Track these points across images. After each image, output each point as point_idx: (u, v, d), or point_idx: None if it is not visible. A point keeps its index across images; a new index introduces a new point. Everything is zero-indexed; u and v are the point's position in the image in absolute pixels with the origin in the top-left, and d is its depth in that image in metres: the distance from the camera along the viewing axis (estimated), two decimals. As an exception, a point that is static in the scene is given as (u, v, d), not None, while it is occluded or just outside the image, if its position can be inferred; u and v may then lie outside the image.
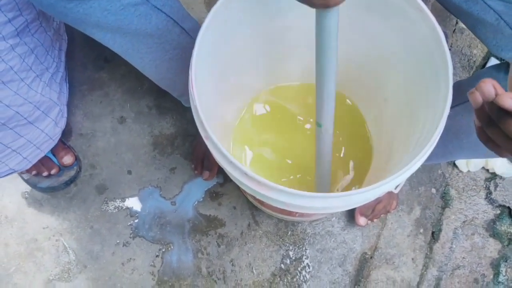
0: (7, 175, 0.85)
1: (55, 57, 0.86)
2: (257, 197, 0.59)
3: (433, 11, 0.98)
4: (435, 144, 0.56)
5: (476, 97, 0.37)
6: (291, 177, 0.85)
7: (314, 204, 0.56)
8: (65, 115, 0.92)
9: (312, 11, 0.50)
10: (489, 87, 0.36)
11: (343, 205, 0.57)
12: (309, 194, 0.55)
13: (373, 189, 0.55)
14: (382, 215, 0.95)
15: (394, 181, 0.56)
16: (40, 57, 0.80)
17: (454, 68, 1.08)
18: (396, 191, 0.87)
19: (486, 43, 0.63)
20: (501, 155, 0.42)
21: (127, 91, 1.04)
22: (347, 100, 0.90)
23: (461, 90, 0.68)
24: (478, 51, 1.09)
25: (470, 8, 0.60)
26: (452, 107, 0.70)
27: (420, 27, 0.61)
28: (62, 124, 0.91)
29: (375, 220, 0.95)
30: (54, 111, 0.87)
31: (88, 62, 1.06)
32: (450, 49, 1.09)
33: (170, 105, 1.03)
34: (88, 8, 0.59)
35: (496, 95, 0.35)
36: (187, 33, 0.73)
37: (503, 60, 0.81)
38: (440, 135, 0.56)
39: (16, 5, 0.69)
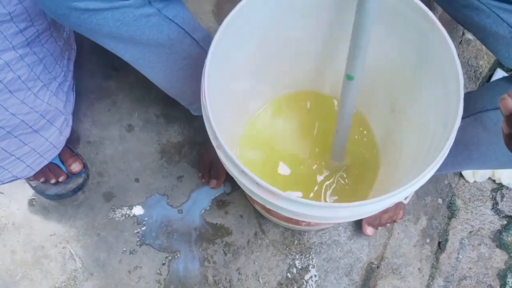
0: (9, 181, 0.86)
1: (63, 66, 0.87)
2: (267, 206, 0.59)
3: (440, 22, 0.99)
4: (445, 156, 0.57)
5: (508, 103, 0.37)
6: (298, 185, 0.86)
7: (323, 214, 0.56)
8: (70, 124, 0.93)
9: (321, 20, 0.52)
10: None
11: (351, 215, 0.58)
12: (319, 204, 0.55)
13: (382, 200, 0.55)
14: (388, 224, 0.95)
15: (404, 193, 0.56)
16: (49, 67, 0.81)
17: (460, 79, 1.09)
18: (405, 202, 0.88)
19: (498, 55, 0.63)
20: None
21: (135, 100, 1.05)
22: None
23: (470, 102, 0.68)
24: (485, 62, 1.09)
25: (482, 21, 0.60)
26: (463, 117, 0.70)
27: (432, 39, 0.62)
28: (66, 133, 0.92)
29: (379, 228, 0.95)
30: (60, 120, 0.87)
31: (96, 71, 1.07)
32: (456, 60, 1.10)
33: (177, 114, 1.04)
34: (102, 19, 0.60)
35: None
36: (198, 43, 0.74)
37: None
38: (450, 147, 0.57)
39: (28, 16, 0.70)
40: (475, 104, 0.68)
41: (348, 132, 0.77)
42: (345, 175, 0.87)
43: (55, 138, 0.88)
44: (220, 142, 0.57)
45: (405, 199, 0.91)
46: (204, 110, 0.60)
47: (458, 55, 1.05)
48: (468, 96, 0.61)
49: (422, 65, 0.67)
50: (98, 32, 0.62)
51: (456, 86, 0.58)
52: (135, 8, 0.61)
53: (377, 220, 0.92)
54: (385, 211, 0.91)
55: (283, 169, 0.86)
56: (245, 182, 0.58)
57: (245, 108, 0.87)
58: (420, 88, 0.69)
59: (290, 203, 0.56)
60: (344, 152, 0.83)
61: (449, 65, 0.59)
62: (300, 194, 0.84)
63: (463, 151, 0.73)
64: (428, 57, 0.64)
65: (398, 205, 0.93)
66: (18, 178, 0.86)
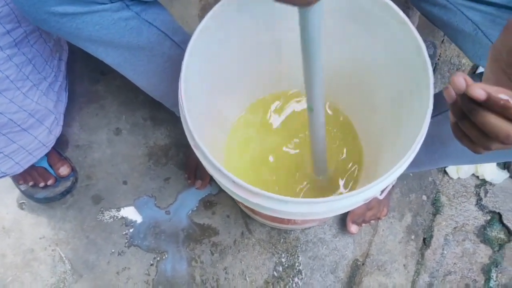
0: None
1: (54, 67, 0.88)
2: (245, 203, 0.61)
3: (422, 22, 1.01)
4: (416, 151, 0.58)
5: (450, 92, 0.37)
6: (281, 187, 0.87)
7: (299, 209, 0.57)
8: (61, 123, 0.94)
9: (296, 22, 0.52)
10: (460, 79, 0.36)
11: (328, 210, 0.59)
12: (295, 200, 0.56)
13: (355, 195, 0.57)
14: (372, 221, 0.96)
15: (377, 187, 0.57)
16: (38, 67, 0.82)
17: (443, 77, 1.10)
18: (381, 197, 0.89)
19: (466, 53, 0.65)
20: (476, 151, 0.42)
21: (122, 104, 1.06)
22: (339, 110, 0.91)
23: (443, 99, 0.69)
24: (467, 60, 1.11)
25: (449, 19, 0.62)
26: (437, 114, 0.72)
27: (403, 39, 0.63)
28: (56, 132, 0.93)
29: (363, 225, 0.96)
30: (49, 119, 0.89)
31: (84, 75, 1.08)
32: (439, 59, 1.11)
33: (164, 117, 1.05)
34: (81, 23, 0.61)
35: (467, 86, 0.35)
36: (179, 45, 0.75)
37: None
38: (421, 143, 0.58)
39: (15, 17, 0.72)
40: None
41: (324, 152, 0.76)
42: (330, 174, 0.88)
43: (44, 136, 0.89)
44: (197, 142, 0.59)
45: (380, 194, 0.92)
46: (181, 110, 0.61)
47: (440, 54, 1.07)
48: (441, 94, 0.62)
49: (397, 65, 0.68)
50: (78, 36, 0.63)
51: (426, 83, 0.59)
52: (113, 12, 0.62)
53: (361, 218, 0.93)
54: (369, 208, 0.93)
55: (268, 172, 0.87)
56: (222, 181, 0.59)
57: (228, 109, 0.88)
58: (396, 87, 0.71)
59: (267, 200, 0.57)
60: (326, 167, 0.82)
61: (420, 63, 0.61)
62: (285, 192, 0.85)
63: (440, 147, 0.75)
64: (401, 56, 0.66)
65: (382, 202, 0.94)
66: (6, 175, 0.87)
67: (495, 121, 0.36)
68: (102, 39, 0.65)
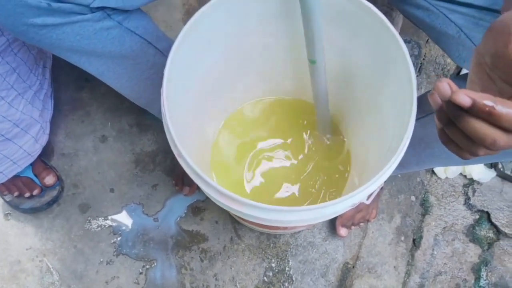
0: None
1: (38, 75, 0.87)
2: (233, 212, 0.60)
3: (406, 23, 1.01)
4: (401, 155, 0.58)
5: (435, 98, 0.37)
6: (267, 192, 0.87)
7: (286, 217, 0.57)
8: (47, 131, 0.93)
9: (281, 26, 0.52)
10: (444, 85, 0.36)
11: (315, 217, 0.58)
12: (281, 208, 0.56)
13: (343, 200, 0.56)
14: (361, 224, 0.96)
15: (363, 192, 0.57)
16: (23, 76, 0.81)
17: (429, 77, 1.10)
18: (367, 202, 0.89)
19: (450, 55, 0.65)
20: (463, 157, 0.42)
21: (108, 110, 1.05)
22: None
23: (428, 101, 0.69)
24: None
25: (433, 22, 0.62)
26: (423, 117, 0.72)
27: (385, 41, 0.63)
28: (42, 140, 0.92)
29: (353, 228, 0.96)
30: (35, 128, 0.88)
31: (69, 82, 1.07)
32: (424, 59, 1.11)
33: (150, 122, 1.04)
34: (61, 34, 0.60)
35: (452, 92, 0.35)
36: (162, 53, 0.74)
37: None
38: (406, 146, 0.58)
39: None
40: None
41: (327, 108, 0.79)
42: (316, 180, 0.88)
43: (29, 146, 0.88)
44: (180, 150, 0.58)
45: (367, 199, 0.92)
46: (164, 118, 0.60)
47: (425, 53, 1.07)
48: (426, 95, 0.62)
49: (380, 68, 0.68)
50: (59, 46, 0.62)
51: (409, 86, 0.59)
52: (94, 21, 0.61)
53: (350, 221, 0.93)
54: (358, 211, 0.92)
55: (253, 177, 0.87)
56: (206, 190, 0.58)
57: (213, 116, 0.88)
58: (380, 90, 0.70)
59: (252, 208, 0.57)
60: (329, 125, 0.85)
61: (403, 66, 0.60)
62: (273, 200, 0.85)
63: (426, 148, 0.75)
64: (384, 59, 0.66)
65: (371, 204, 0.94)
66: None
67: (480, 127, 0.36)
68: (84, 49, 0.64)
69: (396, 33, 0.61)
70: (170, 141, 0.60)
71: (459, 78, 0.69)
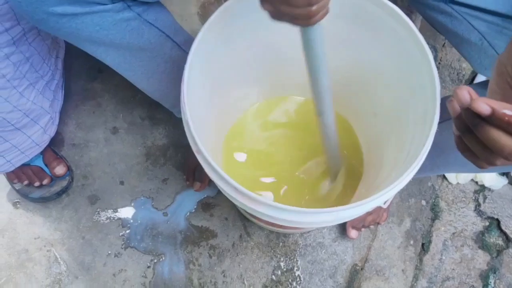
0: None
1: (51, 65, 0.86)
2: (247, 211, 0.60)
3: (424, 26, 1.00)
4: (422, 161, 0.57)
5: (454, 105, 0.37)
6: (280, 188, 0.86)
7: (302, 219, 0.57)
8: (56, 122, 0.92)
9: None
10: (464, 93, 0.35)
11: (332, 220, 0.58)
12: (298, 210, 0.55)
13: (361, 204, 0.56)
14: (372, 226, 0.96)
15: (383, 197, 0.56)
16: (36, 66, 0.81)
17: (443, 81, 1.10)
18: (384, 206, 0.88)
19: (470, 62, 0.64)
20: (479, 166, 0.41)
21: (120, 102, 1.05)
22: (338, 113, 0.90)
23: (446, 107, 0.69)
24: (467, 65, 1.10)
25: (455, 28, 0.62)
26: (439, 123, 0.71)
27: (409, 45, 0.63)
28: (51, 131, 0.91)
29: (363, 230, 0.96)
30: (44, 119, 0.87)
31: (82, 73, 1.07)
32: (439, 63, 1.10)
33: (162, 116, 1.04)
34: (81, 23, 0.59)
35: (471, 100, 0.35)
36: (179, 46, 0.74)
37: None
38: (427, 152, 0.57)
39: (14, 15, 0.70)
40: None
41: (338, 155, 0.77)
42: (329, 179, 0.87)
43: (38, 136, 0.87)
44: (199, 147, 0.58)
45: (384, 203, 0.91)
46: (184, 115, 0.60)
47: (441, 58, 1.06)
48: (444, 101, 0.62)
49: (401, 71, 0.67)
50: (78, 36, 0.62)
51: (433, 92, 0.58)
52: (115, 12, 0.61)
53: (361, 223, 0.93)
54: (369, 214, 0.92)
55: (265, 174, 0.87)
56: (224, 187, 0.58)
57: (227, 112, 0.87)
58: (400, 93, 0.70)
59: (269, 208, 0.56)
60: (340, 161, 0.82)
61: (427, 71, 0.60)
62: (283, 199, 0.84)
63: (440, 154, 0.74)
64: (406, 62, 0.65)
65: (381, 208, 0.93)
66: None
67: (499, 137, 0.35)
68: (102, 40, 0.64)
69: (421, 37, 0.60)
70: (189, 137, 0.59)
71: (477, 86, 0.68)
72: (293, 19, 0.47)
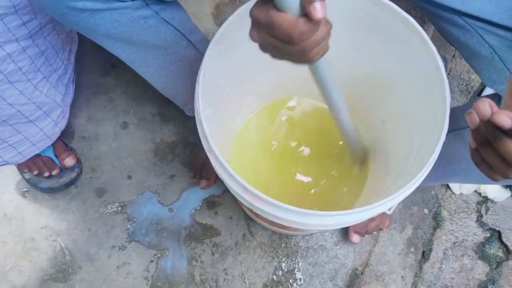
0: (0, 166, 0.87)
1: (64, 59, 0.88)
2: (255, 210, 0.61)
3: (435, 36, 1.01)
4: (429, 170, 0.58)
5: (473, 117, 0.37)
6: (285, 190, 0.87)
7: (309, 221, 0.58)
8: (67, 116, 0.94)
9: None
10: (485, 105, 0.35)
11: (336, 223, 0.59)
12: (305, 212, 0.56)
13: (366, 210, 0.57)
14: (374, 232, 0.97)
15: (387, 204, 0.58)
16: (50, 59, 0.82)
17: (452, 92, 1.11)
18: (389, 213, 0.89)
19: (480, 75, 0.65)
20: (494, 179, 0.42)
21: (131, 97, 1.06)
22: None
23: (453, 118, 0.70)
24: (476, 76, 1.11)
25: (467, 40, 0.62)
26: (447, 133, 0.72)
27: (421, 54, 0.64)
28: (62, 124, 0.93)
29: (366, 236, 0.97)
30: (56, 112, 0.89)
31: (95, 67, 1.08)
32: (449, 74, 1.11)
33: (173, 113, 1.05)
34: (100, 19, 0.61)
35: (492, 113, 0.35)
36: (194, 45, 0.75)
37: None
38: (434, 162, 0.58)
39: (32, 9, 0.71)
40: (457, 120, 0.70)
41: (356, 141, 0.80)
42: (334, 183, 0.89)
43: (49, 129, 0.89)
44: (211, 146, 0.59)
45: (389, 210, 0.92)
46: (197, 114, 0.61)
47: (451, 68, 1.07)
48: (451, 112, 0.63)
49: (411, 80, 0.68)
50: (96, 31, 0.63)
51: (443, 103, 0.59)
52: (133, 9, 0.62)
53: (363, 228, 0.94)
54: (372, 219, 0.93)
55: (273, 174, 0.88)
56: (233, 186, 0.59)
57: (239, 113, 0.88)
58: (409, 102, 0.71)
59: (276, 209, 0.58)
60: (360, 153, 0.85)
61: (437, 82, 0.61)
62: (287, 199, 0.85)
63: (446, 165, 0.75)
64: (417, 72, 0.66)
65: (384, 214, 0.94)
66: (8, 163, 0.88)
67: None
68: (119, 36, 0.65)
69: (434, 48, 0.61)
70: (202, 135, 0.60)
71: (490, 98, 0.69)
72: (292, 61, 0.48)
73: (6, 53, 0.70)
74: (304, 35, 0.43)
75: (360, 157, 0.86)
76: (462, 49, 0.66)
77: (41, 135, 0.88)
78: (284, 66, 0.82)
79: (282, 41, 0.44)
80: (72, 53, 0.93)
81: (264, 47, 0.48)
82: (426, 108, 0.65)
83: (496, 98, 0.66)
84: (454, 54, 1.12)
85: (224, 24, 0.64)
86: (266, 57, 0.78)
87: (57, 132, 0.92)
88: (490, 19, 0.59)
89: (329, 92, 0.60)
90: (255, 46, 0.73)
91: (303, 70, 0.83)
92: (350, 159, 0.87)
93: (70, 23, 0.61)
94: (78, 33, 0.95)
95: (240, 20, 0.65)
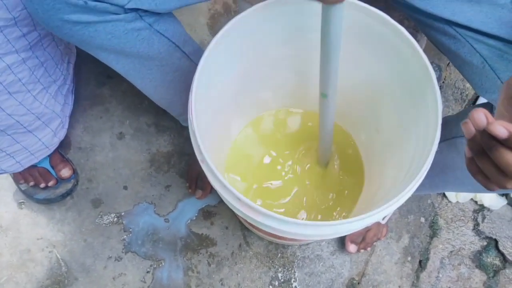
0: None
1: (63, 70, 0.88)
2: (249, 221, 0.61)
3: (429, 45, 1.02)
4: (422, 179, 0.58)
5: (469, 127, 0.37)
6: (281, 200, 0.87)
7: (303, 231, 0.58)
8: (66, 126, 0.94)
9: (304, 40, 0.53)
10: (480, 115, 0.36)
11: (331, 233, 0.59)
12: (299, 222, 0.56)
13: (360, 219, 0.57)
14: (374, 243, 0.96)
15: (381, 213, 0.58)
16: (49, 70, 0.83)
17: (447, 100, 1.11)
18: (383, 222, 0.89)
19: (472, 84, 0.66)
20: (489, 188, 0.42)
21: (127, 108, 1.07)
22: (342, 128, 0.92)
23: (447, 127, 0.70)
24: (471, 85, 1.12)
25: (458, 50, 0.63)
26: (439, 142, 0.72)
27: (413, 64, 0.64)
28: (61, 135, 0.93)
29: (368, 248, 0.96)
30: (55, 122, 0.89)
31: (91, 78, 1.09)
32: (443, 82, 1.12)
33: (168, 124, 1.05)
34: (93, 31, 0.61)
35: (488, 123, 0.35)
36: (188, 56, 0.75)
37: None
38: (427, 171, 0.58)
39: (31, 21, 0.72)
40: (451, 129, 0.70)
41: (331, 140, 0.79)
42: (330, 192, 0.89)
43: (48, 139, 0.89)
44: (204, 156, 0.59)
45: (383, 219, 0.92)
46: (190, 125, 0.61)
47: (445, 77, 1.08)
48: (445, 121, 0.63)
49: (405, 89, 0.69)
50: (90, 43, 0.64)
51: (435, 111, 0.60)
52: (127, 22, 0.63)
53: (360, 238, 0.94)
54: (368, 229, 0.93)
55: (267, 185, 0.88)
56: (227, 197, 0.59)
57: (231, 123, 0.89)
58: (402, 111, 0.71)
59: (271, 219, 0.57)
60: (331, 149, 0.84)
61: (430, 91, 0.61)
62: (282, 210, 0.86)
63: (440, 174, 0.75)
64: (410, 81, 0.67)
65: (381, 224, 0.94)
66: (6, 172, 0.89)
67: None
68: (114, 48, 0.65)
69: (425, 57, 0.62)
70: (195, 146, 0.61)
71: (479, 107, 0.69)
72: None
73: (5, 65, 0.71)
74: None
75: (327, 159, 0.86)
76: (454, 58, 0.66)
77: (40, 145, 0.88)
78: (279, 77, 0.83)
79: None
80: (71, 64, 0.93)
81: None
82: (419, 117, 0.66)
83: (489, 106, 0.67)
84: (449, 63, 1.13)
85: (218, 35, 0.64)
86: (260, 67, 0.79)
87: (56, 142, 0.93)
88: (480, 29, 0.59)
89: (331, 47, 0.58)
90: (249, 56, 0.74)
91: (297, 81, 0.84)
92: (320, 160, 0.87)
93: (64, 35, 0.61)
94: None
95: (234, 30, 0.65)
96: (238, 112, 0.87)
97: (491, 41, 0.60)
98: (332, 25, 0.54)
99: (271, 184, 0.88)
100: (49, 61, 0.81)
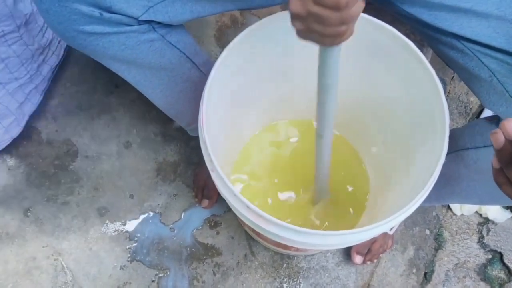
0: None
1: (31, 69, 0.88)
2: (257, 230, 0.61)
3: (434, 58, 1.03)
4: (429, 191, 0.59)
5: (499, 137, 0.37)
6: (288, 210, 0.88)
7: (310, 240, 0.58)
8: (22, 124, 0.94)
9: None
10: None
11: (338, 243, 0.60)
12: (307, 231, 0.57)
13: (368, 230, 0.58)
14: (381, 255, 0.96)
15: (388, 224, 0.58)
16: (11, 68, 0.82)
17: (451, 114, 1.12)
18: (390, 233, 0.90)
19: (479, 97, 0.66)
20: None
21: (134, 117, 1.08)
22: (348, 141, 0.93)
23: (453, 139, 0.71)
24: (475, 98, 1.13)
25: (466, 64, 0.64)
26: (446, 154, 0.73)
27: (420, 77, 0.65)
28: (13, 133, 0.93)
29: (375, 261, 0.96)
30: (8, 119, 0.89)
31: (98, 86, 1.10)
32: (447, 96, 1.13)
33: (175, 133, 1.06)
34: (107, 42, 0.62)
35: None
36: (198, 67, 0.76)
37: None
38: (434, 183, 0.59)
39: None
40: (457, 141, 0.71)
41: (327, 179, 0.78)
42: (336, 203, 0.89)
43: None
44: (215, 165, 0.60)
45: (391, 230, 0.93)
46: (201, 134, 0.62)
47: (449, 90, 1.09)
48: (451, 133, 0.64)
49: (411, 102, 0.70)
50: (103, 54, 0.65)
51: (442, 124, 0.60)
52: (140, 33, 0.64)
53: (365, 249, 0.94)
54: (374, 241, 0.93)
55: (274, 195, 0.88)
56: (236, 205, 0.60)
57: (240, 133, 0.89)
58: (409, 123, 0.72)
59: (279, 228, 0.58)
60: (327, 189, 0.83)
61: (436, 103, 0.62)
62: (289, 219, 0.86)
63: (446, 185, 0.76)
64: (417, 94, 0.67)
65: (387, 235, 0.95)
66: None
67: None
68: (126, 58, 0.66)
69: (432, 70, 0.63)
70: (206, 155, 0.61)
71: (484, 120, 0.70)
72: (321, 37, 0.48)
73: None
74: (350, 1, 0.42)
75: (322, 195, 0.84)
76: (461, 72, 0.67)
77: None
78: (289, 86, 0.84)
79: (327, 7, 0.43)
80: (47, 65, 0.93)
81: (302, 20, 0.46)
82: (426, 129, 0.66)
83: (495, 119, 0.67)
84: (453, 77, 1.14)
85: (228, 47, 0.65)
86: (269, 77, 0.80)
87: (7, 139, 0.92)
88: (489, 43, 0.60)
89: (329, 88, 0.58)
90: (259, 66, 0.75)
91: (309, 91, 0.85)
92: (315, 198, 0.86)
93: (78, 46, 0.62)
94: (79, 56, 0.96)
95: (243, 43, 0.66)
96: (247, 121, 0.88)
97: (500, 55, 0.61)
98: (329, 66, 0.54)
99: (278, 194, 0.88)
100: (12, 59, 0.81)
